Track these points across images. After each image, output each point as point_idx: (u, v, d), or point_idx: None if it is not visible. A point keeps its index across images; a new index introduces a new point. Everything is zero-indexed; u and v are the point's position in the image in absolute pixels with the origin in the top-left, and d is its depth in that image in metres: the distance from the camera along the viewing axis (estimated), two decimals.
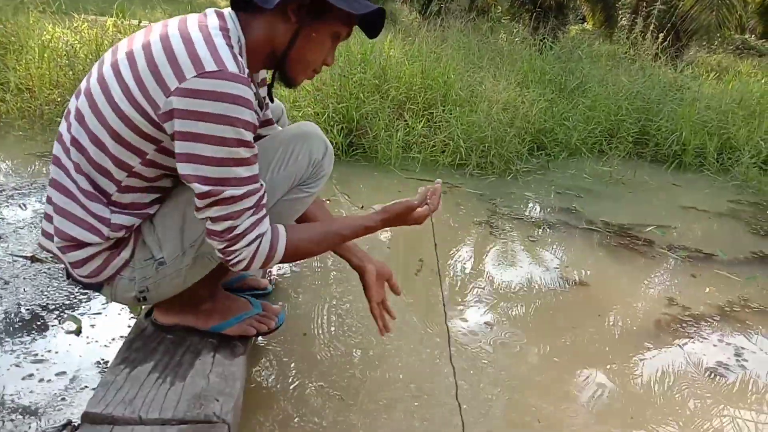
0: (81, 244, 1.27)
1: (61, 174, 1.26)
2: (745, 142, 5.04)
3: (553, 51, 6.71)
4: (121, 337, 1.67)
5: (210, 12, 1.24)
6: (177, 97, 1.10)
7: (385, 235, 2.82)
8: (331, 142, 3.78)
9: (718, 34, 10.77)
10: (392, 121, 4.18)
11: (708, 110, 5.46)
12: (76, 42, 4.57)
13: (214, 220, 1.19)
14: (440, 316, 2.05)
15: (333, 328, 1.91)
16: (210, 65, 1.11)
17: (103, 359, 1.59)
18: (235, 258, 1.23)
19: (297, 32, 1.26)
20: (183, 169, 1.15)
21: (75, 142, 1.23)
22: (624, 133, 5.06)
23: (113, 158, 1.22)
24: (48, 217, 1.30)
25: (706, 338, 2.15)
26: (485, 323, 2.08)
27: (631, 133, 5.08)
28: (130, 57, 1.17)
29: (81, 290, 1.89)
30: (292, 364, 1.70)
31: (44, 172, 3.05)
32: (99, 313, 1.80)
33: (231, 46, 1.17)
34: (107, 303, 1.85)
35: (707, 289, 2.59)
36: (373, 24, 1.32)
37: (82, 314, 1.78)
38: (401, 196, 1.43)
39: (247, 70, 1.19)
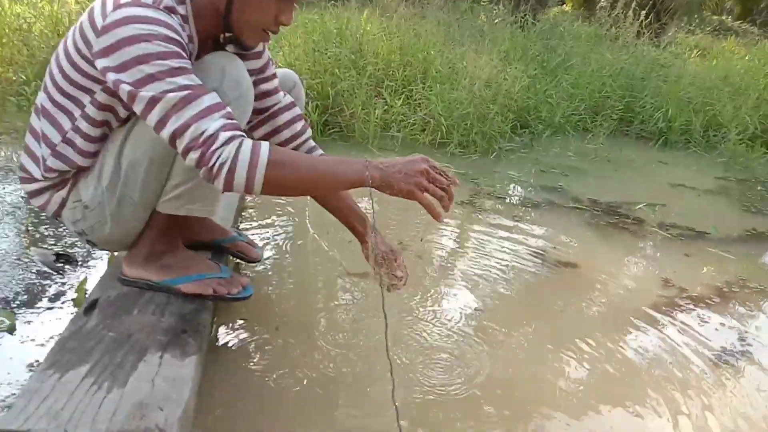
0: (30, 178, 1.37)
1: (33, 118, 1.36)
2: (732, 119, 4.92)
3: (535, 28, 6.54)
4: (61, 335, 1.47)
5: None
6: (101, 36, 1.14)
7: None
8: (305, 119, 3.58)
9: (696, 15, 10.64)
10: (370, 98, 3.98)
11: (692, 87, 5.33)
12: (32, 17, 4.28)
13: (178, 133, 1.12)
14: (423, 303, 1.88)
15: (309, 323, 1.73)
16: None
17: (38, 361, 1.39)
18: (216, 161, 1.12)
19: None
20: (124, 93, 1.14)
21: (44, 87, 1.33)
22: (608, 110, 4.92)
23: (68, 96, 1.28)
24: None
25: (707, 322, 2.01)
26: (470, 307, 1.91)
27: (616, 110, 4.94)
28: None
29: (16, 282, 1.69)
30: (259, 363, 1.51)
31: None
32: (37, 308, 1.60)
33: None
34: (45, 296, 1.65)
35: (704, 269, 2.46)
36: None
37: (17, 310, 1.57)
38: None
39: (175, 10, 1.21)
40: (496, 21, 6.94)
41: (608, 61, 5.68)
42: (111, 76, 1.14)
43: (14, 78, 3.86)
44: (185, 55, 1.17)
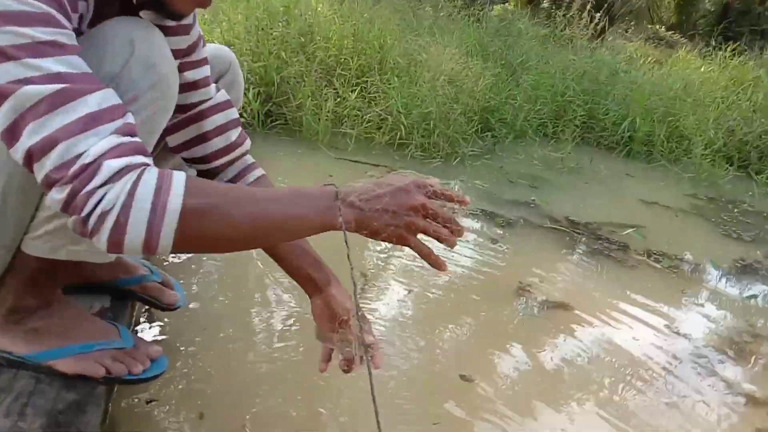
0: None
1: None
2: (695, 131, 4.74)
3: (492, 23, 6.21)
4: None
5: None
6: None
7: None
8: (245, 108, 3.02)
9: (636, 22, 10.72)
10: (320, 88, 3.48)
11: (654, 96, 5.12)
12: None
13: (36, 154, 0.67)
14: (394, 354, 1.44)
15: (246, 404, 1.25)
16: None
17: None
18: (94, 209, 0.67)
19: None
20: None
21: None
22: (571, 115, 4.63)
23: None
24: None
25: (732, 387, 1.67)
26: (442, 362, 1.48)
27: (579, 116, 4.65)
28: None
29: None
30: None
31: None
32: None
33: None
34: None
35: (707, 312, 2.13)
36: None
37: None
38: (332, 181, 0.80)
39: None
40: (442, 14, 6.57)
41: (570, 62, 5.40)
42: None
43: None
44: (65, 23, 0.69)
